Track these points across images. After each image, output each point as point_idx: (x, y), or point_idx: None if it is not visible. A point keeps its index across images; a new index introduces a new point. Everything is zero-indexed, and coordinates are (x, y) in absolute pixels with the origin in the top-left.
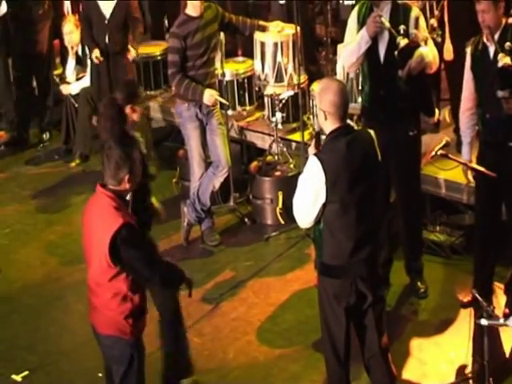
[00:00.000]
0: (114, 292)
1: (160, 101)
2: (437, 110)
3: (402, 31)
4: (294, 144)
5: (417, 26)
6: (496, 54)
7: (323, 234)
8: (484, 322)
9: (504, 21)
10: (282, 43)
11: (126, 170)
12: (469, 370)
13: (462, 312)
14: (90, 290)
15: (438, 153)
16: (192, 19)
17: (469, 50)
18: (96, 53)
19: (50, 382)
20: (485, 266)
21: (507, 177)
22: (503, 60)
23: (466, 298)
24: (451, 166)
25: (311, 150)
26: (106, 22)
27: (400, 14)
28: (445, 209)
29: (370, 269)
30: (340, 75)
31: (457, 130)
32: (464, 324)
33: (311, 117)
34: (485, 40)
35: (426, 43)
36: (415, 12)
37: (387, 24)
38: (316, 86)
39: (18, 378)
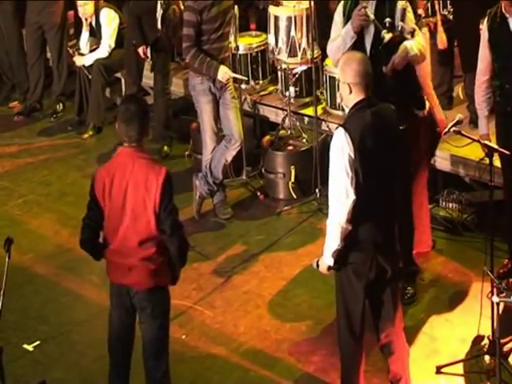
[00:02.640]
0: (158, 241)
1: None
2: (427, 103)
3: (387, 24)
4: (306, 118)
5: (403, 18)
6: None
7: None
8: (496, 299)
9: None
10: (295, 17)
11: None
12: (480, 346)
13: (473, 289)
14: (119, 254)
15: (451, 130)
16: None
17: (485, 23)
18: (144, 49)
19: (61, 352)
20: None
21: None
22: None
23: (503, 269)
24: (464, 142)
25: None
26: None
27: (386, 6)
28: (457, 186)
29: (390, 243)
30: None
31: (470, 107)
32: (475, 301)
33: (324, 91)
34: (504, 11)
35: (412, 35)
36: (401, 3)
37: (372, 16)
38: (339, 61)
39: (29, 347)
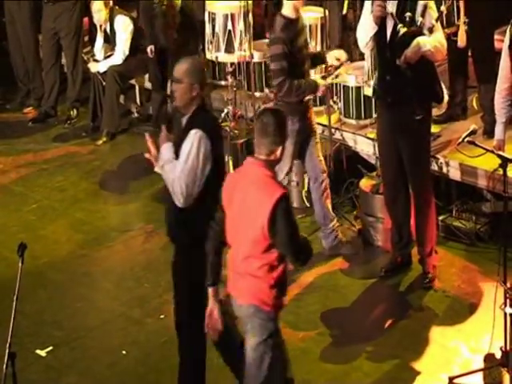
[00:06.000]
0: (264, 263)
1: None
2: (446, 97)
3: (407, 18)
4: (320, 127)
5: (424, 14)
6: None
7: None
8: (509, 310)
9: None
10: (310, 26)
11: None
12: (492, 357)
13: (486, 299)
14: (232, 263)
15: (465, 140)
16: (292, 22)
17: (508, 30)
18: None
19: (73, 358)
20: None
21: None
22: None
23: None
24: (478, 153)
25: (164, 137)
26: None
27: (408, 1)
28: (470, 196)
29: None
30: (368, 58)
31: (484, 118)
32: (488, 311)
33: (338, 100)
34: None
35: (431, 32)
36: None
37: (389, 9)
38: (182, 67)
39: (42, 352)
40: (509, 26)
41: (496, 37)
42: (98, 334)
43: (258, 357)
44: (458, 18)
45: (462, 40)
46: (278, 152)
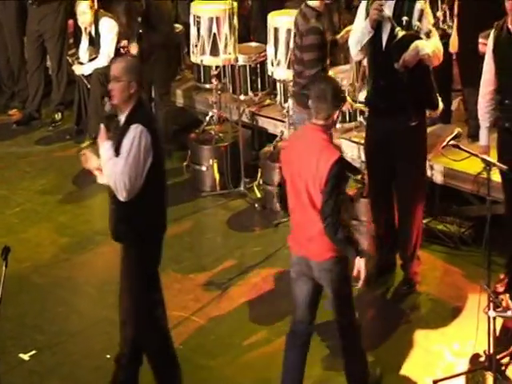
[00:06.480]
0: None
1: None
2: (440, 104)
3: (404, 22)
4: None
5: (420, 19)
6: None
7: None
8: (492, 313)
9: None
10: None
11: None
12: (476, 361)
13: (470, 303)
14: (297, 225)
15: (450, 143)
16: (320, 14)
17: (492, 34)
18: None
19: (56, 362)
20: None
21: None
22: None
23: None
24: (462, 156)
25: (103, 136)
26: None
27: (404, 5)
28: (455, 199)
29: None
30: (352, 61)
31: (468, 121)
32: (471, 315)
33: None
34: (509, 25)
35: (428, 36)
36: (420, 4)
37: (386, 13)
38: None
39: (25, 357)
40: (493, 30)
41: (480, 40)
42: (81, 339)
43: (348, 291)
44: (444, 21)
45: (453, 46)
46: (335, 115)
